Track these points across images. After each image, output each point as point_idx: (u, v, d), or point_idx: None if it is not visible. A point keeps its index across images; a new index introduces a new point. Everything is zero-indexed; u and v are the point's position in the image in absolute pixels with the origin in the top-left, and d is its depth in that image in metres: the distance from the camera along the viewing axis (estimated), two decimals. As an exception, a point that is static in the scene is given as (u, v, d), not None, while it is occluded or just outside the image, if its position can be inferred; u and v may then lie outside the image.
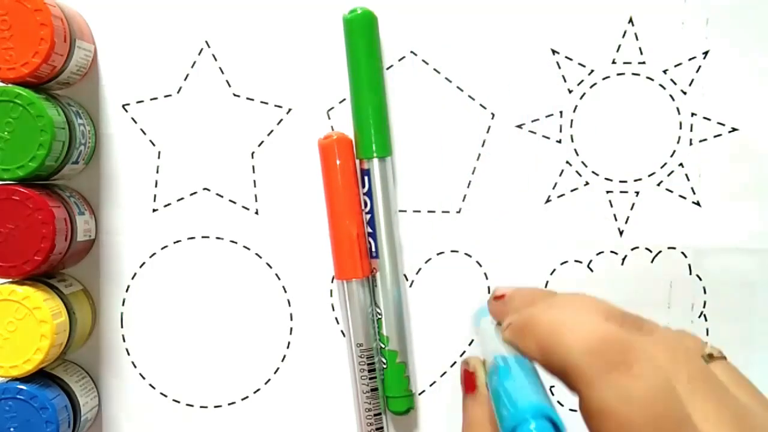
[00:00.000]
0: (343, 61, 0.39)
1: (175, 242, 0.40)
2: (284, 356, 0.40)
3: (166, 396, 0.40)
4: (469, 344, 0.40)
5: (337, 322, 0.40)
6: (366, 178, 0.38)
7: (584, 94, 0.40)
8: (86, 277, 0.40)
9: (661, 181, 0.40)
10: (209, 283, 0.40)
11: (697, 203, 0.40)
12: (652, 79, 0.39)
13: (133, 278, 0.40)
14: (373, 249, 0.39)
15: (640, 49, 0.39)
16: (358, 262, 0.39)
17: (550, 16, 0.39)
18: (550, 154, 0.40)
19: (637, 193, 0.40)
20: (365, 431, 0.39)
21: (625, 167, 0.40)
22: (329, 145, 0.39)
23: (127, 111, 0.40)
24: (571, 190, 0.40)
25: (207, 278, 0.40)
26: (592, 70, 0.40)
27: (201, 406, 0.40)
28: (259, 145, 0.40)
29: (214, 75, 0.40)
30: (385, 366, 0.39)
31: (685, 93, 0.40)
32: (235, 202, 0.40)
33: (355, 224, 0.39)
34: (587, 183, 0.40)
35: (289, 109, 0.40)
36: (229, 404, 0.40)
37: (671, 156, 0.40)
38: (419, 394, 0.40)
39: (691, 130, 0.40)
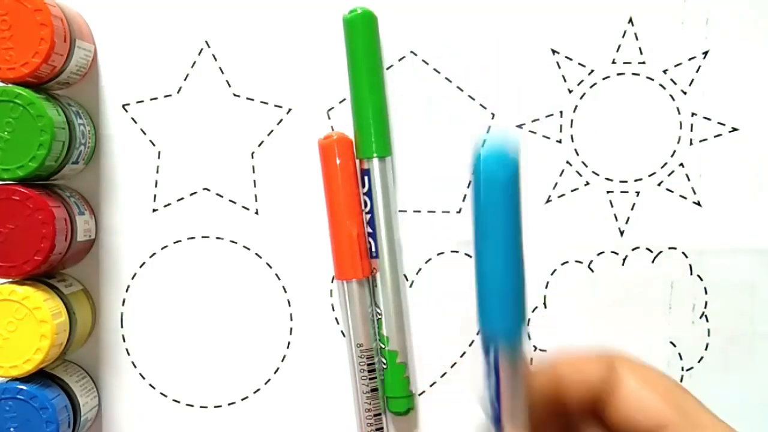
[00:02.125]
0: (343, 61, 0.39)
1: (175, 242, 0.40)
2: (284, 356, 0.40)
3: (166, 396, 0.40)
4: (470, 344, 0.40)
5: (337, 322, 0.40)
6: (366, 178, 0.38)
7: (584, 94, 0.40)
8: (86, 277, 0.40)
9: (662, 181, 0.40)
10: (209, 283, 0.40)
11: (698, 203, 0.40)
12: (652, 79, 0.39)
13: (133, 278, 0.40)
14: (373, 249, 0.39)
15: (640, 49, 0.39)
16: (358, 262, 0.39)
17: (550, 16, 0.39)
18: (550, 154, 0.40)
19: (638, 193, 0.40)
20: (365, 431, 0.39)
21: (625, 167, 0.40)
22: (329, 145, 0.39)
23: (127, 111, 0.40)
24: (572, 190, 0.40)
25: (207, 278, 0.40)
26: (592, 70, 0.39)
27: (201, 406, 0.40)
28: (259, 145, 0.40)
29: (214, 75, 0.40)
30: (385, 366, 0.39)
31: (685, 93, 0.40)
32: (235, 202, 0.40)
33: (355, 224, 0.39)
34: (587, 183, 0.40)
35: (289, 109, 0.40)
36: (229, 404, 0.40)
37: (671, 156, 0.40)
38: (419, 394, 0.40)
39: (691, 130, 0.40)
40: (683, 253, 0.40)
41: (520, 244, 0.24)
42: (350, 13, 0.38)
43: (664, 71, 0.39)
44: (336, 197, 0.39)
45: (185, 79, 0.40)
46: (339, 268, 0.39)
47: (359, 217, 0.39)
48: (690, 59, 0.39)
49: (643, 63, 0.39)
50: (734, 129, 0.39)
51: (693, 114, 0.40)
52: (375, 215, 0.38)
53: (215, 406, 0.40)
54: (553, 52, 0.39)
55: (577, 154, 0.40)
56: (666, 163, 0.40)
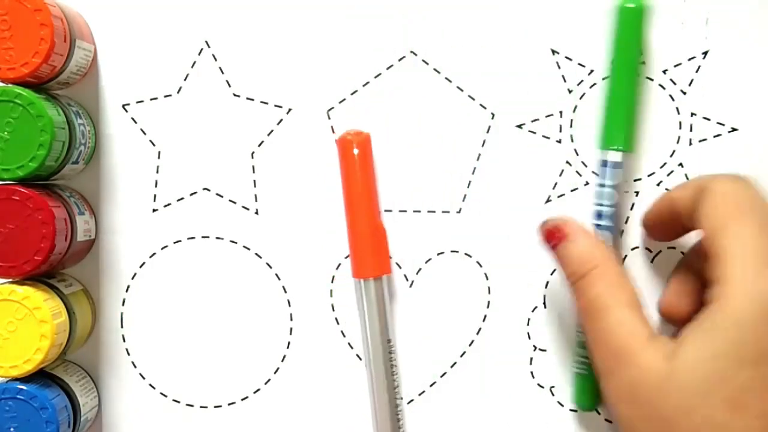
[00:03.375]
0: (343, 60, 0.39)
1: (175, 242, 0.40)
2: (284, 356, 0.40)
3: (166, 396, 0.40)
4: (470, 344, 0.40)
5: (337, 322, 0.40)
6: (605, 169, 0.38)
7: (584, 94, 0.40)
8: (86, 277, 0.40)
9: (661, 181, 0.40)
10: (209, 283, 0.40)
11: (697, 203, 0.40)
12: (652, 79, 0.39)
13: (133, 278, 0.40)
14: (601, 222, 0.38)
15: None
16: (379, 259, 0.39)
17: (551, 15, 0.39)
18: (550, 154, 0.40)
19: (637, 193, 0.40)
20: (392, 426, 0.39)
21: (624, 167, 0.40)
22: (347, 142, 0.38)
23: (127, 111, 0.40)
24: (571, 190, 0.40)
25: (207, 278, 0.40)
26: (592, 70, 0.40)
27: (201, 406, 0.40)
28: (259, 145, 0.40)
29: (214, 75, 0.40)
30: (578, 370, 0.39)
31: (685, 93, 0.40)
32: (235, 202, 0.40)
33: (374, 221, 0.39)
34: (587, 183, 0.40)
35: (289, 109, 0.40)
36: (229, 404, 0.40)
37: (671, 156, 0.40)
38: (419, 394, 0.40)
39: (691, 130, 0.40)
40: (682, 253, 0.40)
41: None
42: (625, 2, 0.37)
43: (664, 71, 0.39)
44: (355, 194, 0.38)
45: (185, 79, 0.40)
46: (358, 266, 0.39)
47: (378, 215, 0.39)
48: (690, 59, 0.39)
49: (643, 63, 0.39)
50: (734, 129, 0.40)
51: (693, 114, 0.40)
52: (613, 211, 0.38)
53: (215, 406, 0.40)
54: (553, 52, 0.39)
55: (577, 154, 0.40)
56: (665, 163, 0.40)
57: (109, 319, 0.40)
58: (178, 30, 0.39)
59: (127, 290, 0.40)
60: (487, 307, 0.40)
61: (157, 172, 0.40)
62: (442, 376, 0.40)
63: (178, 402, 0.40)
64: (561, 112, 0.40)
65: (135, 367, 0.40)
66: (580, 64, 0.39)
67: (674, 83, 0.40)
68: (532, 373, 0.40)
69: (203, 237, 0.40)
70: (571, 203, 0.40)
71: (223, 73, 0.40)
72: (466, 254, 0.40)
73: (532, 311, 0.40)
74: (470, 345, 0.40)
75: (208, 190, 0.40)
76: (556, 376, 0.40)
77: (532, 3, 0.39)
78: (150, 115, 0.40)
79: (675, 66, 0.39)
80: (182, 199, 0.40)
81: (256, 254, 0.40)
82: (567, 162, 0.40)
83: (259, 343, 0.40)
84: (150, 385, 0.40)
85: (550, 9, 0.39)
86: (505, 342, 0.40)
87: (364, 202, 0.39)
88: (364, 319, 0.39)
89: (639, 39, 0.37)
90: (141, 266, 0.40)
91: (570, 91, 0.40)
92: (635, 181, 0.40)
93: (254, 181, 0.40)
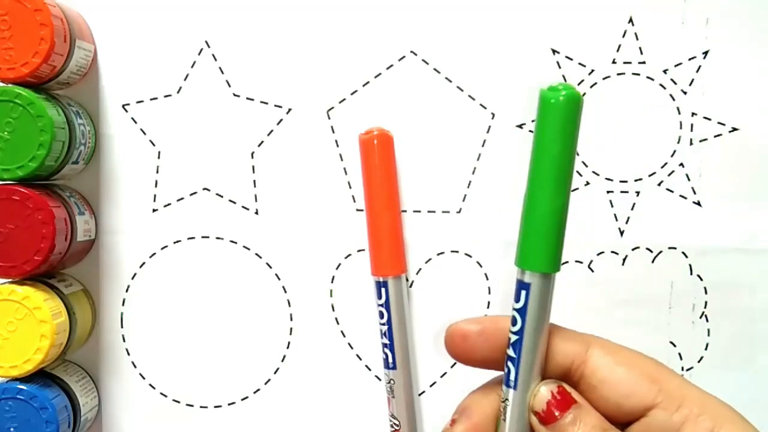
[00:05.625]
0: (343, 60, 0.39)
1: (175, 242, 0.40)
2: (284, 356, 0.40)
3: (166, 396, 0.40)
4: (469, 344, 0.40)
5: (337, 323, 0.40)
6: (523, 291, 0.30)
7: (584, 94, 0.40)
8: (86, 277, 0.40)
9: (662, 181, 0.40)
10: (209, 283, 0.40)
11: (698, 203, 0.40)
12: (652, 79, 0.39)
13: (133, 278, 0.40)
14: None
15: (640, 48, 0.39)
16: (402, 258, 0.39)
17: (551, 15, 0.39)
18: (550, 154, 0.40)
19: (638, 193, 0.40)
20: (408, 421, 0.39)
21: (625, 167, 0.40)
22: (369, 141, 0.38)
23: (127, 111, 0.40)
24: (572, 190, 0.40)
25: (207, 278, 0.40)
26: (592, 70, 0.39)
27: (201, 406, 0.40)
28: (259, 145, 0.40)
29: (214, 75, 0.40)
30: None
31: (685, 93, 0.40)
32: (235, 202, 0.40)
33: (395, 221, 0.39)
34: (587, 183, 0.40)
35: (289, 109, 0.40)
36: (229, 404, 0.40)
37: (672, 156, 0.40)
38: (420, 394, 0.40)
39: (692, 130, 0.40)
40: (683, 252, 0.40)
41: None
42: (551, 90, 0.27)
43: (665, 71, 0.39)
44: (376, 193, 0.38)
45: (185, 79, 0.40)
46: (377, 264, 0.39)
47: (399, 214, 0.39)
48: (690, 59, 0.39)
49: (644, 63, 0.39)
50: (734, 129, 0.39)
51: (693, 114, 0.40)
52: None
53: (215, 406, 0.40)
54: (553, 51, 0.39)
55: (578, 154, 0.40)
56: (666, 163, 0.40)
57: (109, 319, 0.40)
58: (178, 30, 0.39)
59: (127, 290, 0.40)
60: (487, 307, 0.40)
61: (157, 172, 0.40)
62: (442, 376, 0.40)
63: (178, 402, 0.40)
64: (561, 112, 0.40)
65: (135, 367, 0.40)
66: (580, 64, 0.39)
67: (675, 83, 0.39)
68: (532, 373, 0.40)
69: (203, 237, 0.40)
70: (571, 203, 0.40)
71: (223, 73, 0.40)
72: (466, 254, 0.40)
73: (532, 311, 0.40)
74: (470, 345, 0.40)
75: (208, 190, 0.40)
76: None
77: (532, 3, 0.39)
78: (150, 115, 0.40)
79: (675, 66, 0.39)
80: (182, 199, 0.40)
81: (256, 254, 0.40)
82: (567, 162, 0.40)
83: (259, 343, 0.40)
84: (150, 385, 0.40)
85: (550, 9, 0.39)
86: (505, 342, 0.40)
87: (390, 200, 0.39)
88: (386, 317, 0.39)
89: (569, 138, 0.28)
90: (141, 266, 0.40)
91: (570, 91, 0.40)
92: (636, 181, 0.40)
93: (254, 181, 0.40)
